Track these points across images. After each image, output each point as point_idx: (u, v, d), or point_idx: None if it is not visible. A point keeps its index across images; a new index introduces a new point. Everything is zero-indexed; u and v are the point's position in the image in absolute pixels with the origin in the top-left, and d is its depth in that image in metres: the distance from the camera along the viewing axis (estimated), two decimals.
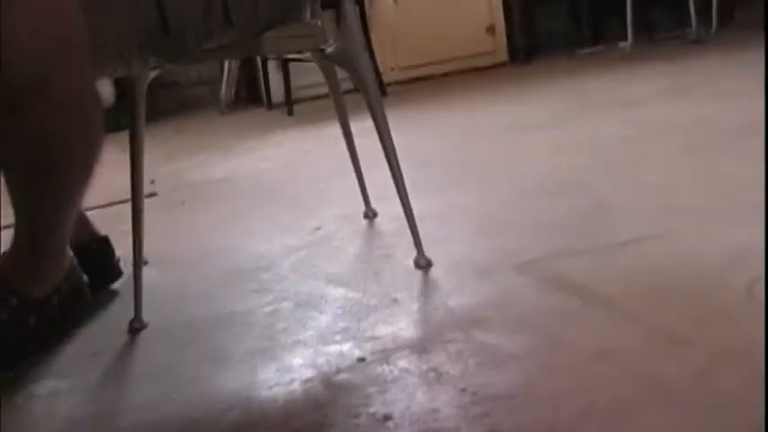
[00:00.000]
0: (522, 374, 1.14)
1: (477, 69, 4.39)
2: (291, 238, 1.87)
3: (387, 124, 1.57)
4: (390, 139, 1.58)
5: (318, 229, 1.91)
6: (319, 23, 1.55)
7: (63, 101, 1.21)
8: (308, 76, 4.03)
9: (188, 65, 1.40)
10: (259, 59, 4.22)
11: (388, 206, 1.89)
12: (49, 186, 1.32)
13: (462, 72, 4.38)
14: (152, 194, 2.48)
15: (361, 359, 1.24)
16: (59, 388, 1.30)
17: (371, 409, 1.10)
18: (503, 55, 4.49)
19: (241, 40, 1.42)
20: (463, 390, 1.11)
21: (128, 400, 1.25)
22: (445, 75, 4.37)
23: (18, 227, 1.42)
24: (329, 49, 1.55)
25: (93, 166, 1.33)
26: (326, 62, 1.75)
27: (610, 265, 1.47)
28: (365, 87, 1.56)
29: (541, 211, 1.81)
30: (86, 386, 1.30)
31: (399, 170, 1.59)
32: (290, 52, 1.46)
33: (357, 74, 1.55)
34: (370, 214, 1.93)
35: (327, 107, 1.96)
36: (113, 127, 1.57)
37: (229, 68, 4.32)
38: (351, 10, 1.53)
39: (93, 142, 1.29)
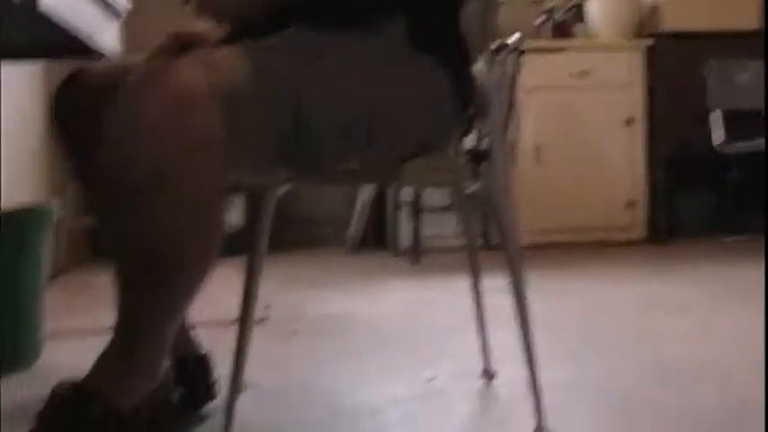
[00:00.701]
0: None
1: (613, 243, 4.23)
2: (402, 386, 1.73)
3: (524, 280, 1.45)
4: (525, 297, 1.45)
5: (431, 380, 1.77)
6: (462, 161, 1.46)
7: (183, 199, 1.14)
8: (438, 226, 3.97)
9: (320, 184, 1.33)
10: (391, 204, 4.19)
11: (507, 369, 1.74)
12: (156, 287, 1.24)
13: (598, 244, 4.23)
14: (263, 319, 2.40)
15: None
16: None
17: None
18: (641, 232, 4.32)
19: (379, 166, 1.34)
20: None
21: None
22: (580, 244, 4.23)
23: (117, 328, 1.34)
24: (471, 189, 1.45)
25: (205, 272, 1.24)
26: (465, 207, 1.65)
27: None
28: (506, 234, 1.45)
29: (676, 400, 1.62)
30: None
31: (530, 332, 1.45)
32: (428, 185, 1.38)
33: (499, 218, 1.45)
34: (489, 374, 1.78)
35: (454, 260, 1.86)
36: (237, 250, 1.52)
37: (360, 208, 4.30)
38: (498, 152, 1.44)
39: (209, 248, 1.21)
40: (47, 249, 2.05)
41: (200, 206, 1.16)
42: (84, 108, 1.46)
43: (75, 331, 2.35)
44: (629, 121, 4.30)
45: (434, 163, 1.38)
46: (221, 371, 1.60)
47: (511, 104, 3.87)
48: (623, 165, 4.31)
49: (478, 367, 1.79)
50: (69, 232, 3.61)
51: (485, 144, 1.45)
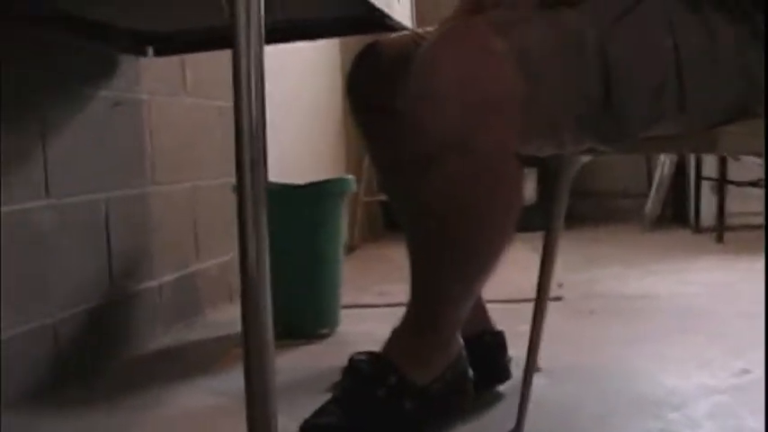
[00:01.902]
0: None
1: None
2: (711, 376, 1.59)
3: None
4: None
5: (746, 372, 1.61)
6: None
7: (483, 162, 1.08)
8: (744, 202, 3.66)
9: (625, 152, 1.21)
10: (692, 178, 3.93)
11: None
12: (453, 256, 1.19)
13: None
14: (557, 298, 2.31)
15: None
16: None
17: None
18: None
19: (693, 131, 1.20)
20: None
21: None
22: None
23: (411, 301, 1.31)
24: None
25: (503, 241, 1.18)
26: None
27: None
28: None
29: None
30: None
31: None
32: (751, 153, 1.22)
33: None
34: None
35: (761, 239, 1.66)
36: (529, 226, 1.44)
37: (659, 181, 4.07)
38: None
39: (508, 213, 1.15)
40: (343, 221, 2.09)
41: (498, 171, 1.10)
42: (380, 81, 1.45)
43: (371, 302, 2.40)
44: None
45: (752, 128, 1.22)
46: (514, 351, 1.55)
47: None
48: None
49: None
50: (365, 206, 3.72)
51: None
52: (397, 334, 1.35)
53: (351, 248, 3.49)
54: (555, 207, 1.38)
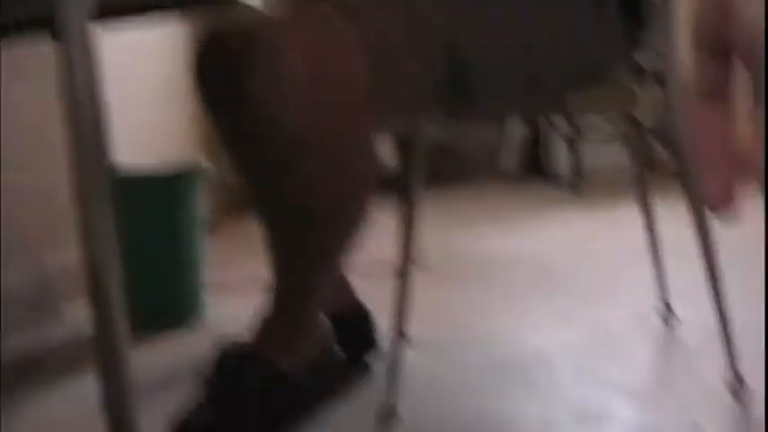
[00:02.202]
0: None
1: None
2: (572, 333, 1.63)
3: (707, 215, 1.31)
4: (708, 227, 1.31)
5: (605, 325, 1.65)
6: (633, 88, 1.32)
7: (332, 153, 1.06)
8: (597, 153, 3.77)
9: (477, 121, 1.21)
10: (547, 132, 4.03)
11: (688, 307, 1.61)
12: (310, 243, 1.18)
13: None
14: (422, 264, 2.32)
15: None
16: None
17: None
18: None
19: (541, 99, 1.22)
20: None
21: None
22: None
23: (275, 291, 1.29)
24: (648, 122, 1.32)
25: (358, 224, 1.17)
26: (634, 136, 1.51)
27: None
28: (683, 163, 1.31)
29: None
30: None
31: (716, 265, 1.31)
32: (595, 111, 1.25)
33: (679, 151, 1.31)
34: (668, 314, 1.64)
35: (615, 190, 1.71)
36: (391, 192, 1.43)
37: (515, 138, 4.14)
38: (676, 75, 1.29)
39: (361, 197, 1.14)
40: (202, 204, 2.04)
41: (349, 158, 1.09)
42: (227, 73, 1.40)
43: (237, 285, 2.35)
44: None
45: (601, 90, 1.24)
46: (382, 322, 1.55)
47: None
48: None
49: (655, 307, 1.66)
50: (226, 186, 3.65)
51: (658, 64, 1.30)
52: (262, 323, 1.32)
53: (213, 229, 3.41)
54: (412, 175, 1.37)
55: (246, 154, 1.29)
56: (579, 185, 3.61)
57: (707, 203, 0.39)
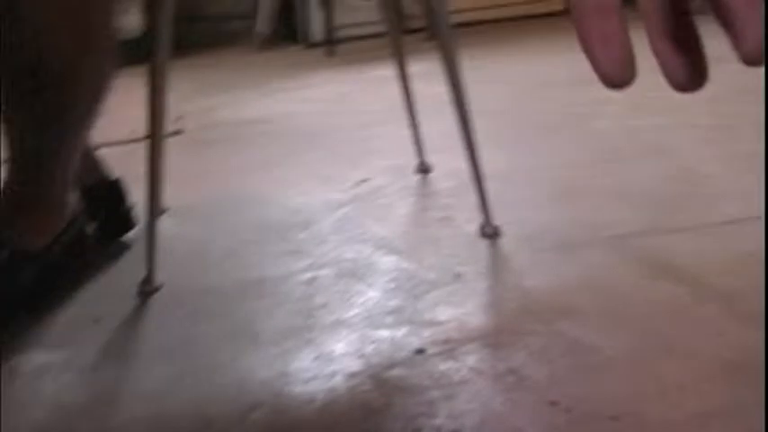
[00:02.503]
0: (628, 387, 0.90)
1: (532, 16, 4.09)
2: (333, 191, 1.62)
3: (459, 65, 1.32)
4: (461, 82, 1.33)
5: (364, 181, 1.66)
6: None
7: (67, 8, 0.96)
8: (351, 14, 3.75)
9: None
10: None
11: (443, 161, 1.64)
12: (43, 105, 1.08)
13: (517, 19, 4.09)
14: (177, 132, 2.24)
15: (420, 351, 1.00)
16: (50, 363, 1.07)
17: (436, 421, 0.86)
18: (558, 3, 4.18)
19: None
20: (554, 403, 0.87)
21: (130, 384, 1.01)
22: (498, 21, 4.07)
23: (12, 164, 1.18)
24: None
25: (101, 88, 1.09)
26: None
27: (715, 248, 1.22)
28: (438, 21, 1.31)
29: (623, 178, 1.55)
30: (82, 362, 1.06)
31: (468, 118, 1.33)
32: None
33: (430, 5, 1.29)
34: (425, 168, 1.67)
35: (370, 49, 1.71)
36: (137, 59, 1.33)
37: (266, 1, 4.04)
38: None
39: (99, 57, 1.05)
40: None
41: (86, 12, 0.99)
42: None
43: None
44: None
45: None
46: (138, 189, 1.46)
47: None
48: None
49: (412, 162, 1.68)
50: None
51: None
52: (4, 200, 1.22)
53: None
54: (159, 37, 1.27)
55: None
56: (333, 48, 3.59)
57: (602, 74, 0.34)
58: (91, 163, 1.42)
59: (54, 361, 1.07)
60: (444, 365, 0.96)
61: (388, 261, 1.26)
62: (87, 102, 1.12)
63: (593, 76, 0.40)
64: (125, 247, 1.43)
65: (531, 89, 2.48)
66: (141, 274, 1.25)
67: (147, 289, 1.24)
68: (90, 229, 1.32)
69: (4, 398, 0.99)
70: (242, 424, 0.89)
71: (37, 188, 1.22)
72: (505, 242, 1.29)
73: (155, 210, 1.30)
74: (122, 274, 1.32)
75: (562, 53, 3.07)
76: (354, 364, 0.99)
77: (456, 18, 4.16)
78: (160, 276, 1.25)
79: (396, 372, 0.96)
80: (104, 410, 0.95)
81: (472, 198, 1.35)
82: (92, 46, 1.06)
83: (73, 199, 1.28)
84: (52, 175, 1.20)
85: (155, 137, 1.30)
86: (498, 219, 1.33)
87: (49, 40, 1.02)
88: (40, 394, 1.00)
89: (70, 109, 1.12)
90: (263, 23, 4.06)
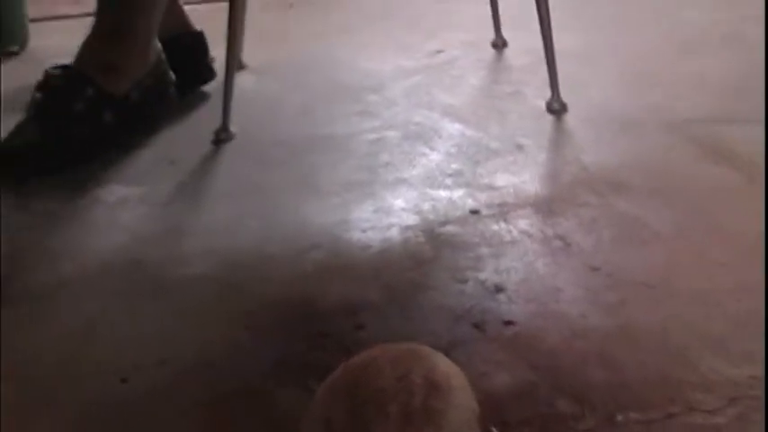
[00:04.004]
0: (667, 259, 0.93)
1: None
2: (407, 59, 1.64)
3: None
4: None
5: (439, 52, 1.68)
6: None
7: None
8: None
9: None
10: None
11: (520, 37, 1.65)
12: None
13: None
14: None
15: (475, 211, 1.05)
16: (128, 196, 1.15)
17: (481, 275, 0.91)
18: None
19: None
20: (595, 269, 0.91)
21: (199, 220, 1.09)
22: None
23: (100, 8, 1.24)
24: None
25: None
26: None
27: None
28: None
29: (697, 68, 1.54)
30: (157, 198, 1.14)
31: None
32: None
33: None
34: (500, 43, 1.68)
35: None
36: None
37: None
38: None
39: None
40: None
41: None
42: None
43: (64, 13, 2.24)
44: None
45: None
46: (219, 51, 1.52)
47: None
48: None
49: (488, 37, 1.69)
50: None
51: None
52: (89, 44, 1.28)
53: None
54: None
55: None
56: None
57: None
58: (176, 13, 1.47)
59: (132, 194, 1.15)
60: (496, 226, 1.01)
61: (453, 128, 1.30)
62: None
63: None
64: (204, 96, 1.49)
65: None
66: (217, 123, 1.31)
67: (221, 137, 1.30)
68: (171, 77, 1.38)
69: (86, 223, 1.08)
70: (299, 261, 0.96)
71: (123, 27, 1.27)
72: (570, 118, 1.32)
73: (232, 63, 1.35)
74: (200, 122, 1.38)
75: None
76: (410, 219, 1.04)
77: None
78: (235, 126, 1.31)
79: (449, 228, 1.01)
80: (174, 241, 1.03)
81: (544, 75, 1.36)
82: None
83: (156, 46, 1.34)
84: (136, 21, 1.25)
85: None
86: (567, 96, 1.35)
87: None
88: (118, 222, 1.08)
89: None
90: None
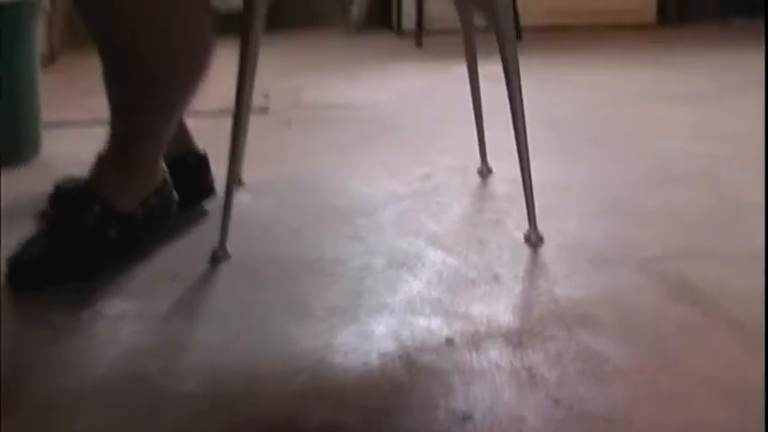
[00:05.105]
0: (626, 395, 1.01)
1: (621, 26, 4.13)
2: (397, 182, 1.75)
3: (518, 72, 1.43)
4: (519, 88, 1.43)
5: (427, 177, 1.78)
6: None
7: (168, 17, 1.11)
8: (444, 5, 3.85)
9: None
10: None
11: (505, 165, 1.74)
12: (146, 93, 1.23)
13: (605, 27, 4.13)
14: (263, 109, 2.39)
15: (450, 340, 1.13)
16: (128, 310, 1.23)
17: (452, 404, 0.98)
18: (651, 14, 4.20)
19: None
20: (557, 401, 0.99)
21: (194, 336, 1.16)
22: (586, 27, 4.13)
23: (113, 134, 1.34)
24: None
25: (199, 75, 1.23)
26: None
27: (740, 276, 1.31)
28: (499, 26, 1.41)
29: (668, 200, 1.64)
30: (155, 313, 1.22)
31: (524, 126, 1.44)
32: None
33: (493, 11, 1.40)
34: (485, 171, 1.79)
35: (459, 44, 1.81)
36: (233, 31, 1.44)
37: None
38: None
39: (199, 48, 1.19)
40: (38, 39, 2.01)
41: (186, 26, 1.14)
42: None
43: (75, 119, 2.35)
44: None
45: None
46: (220, 161, 1.59)
47: None
48: None
49: (475, 163, 1.80)
50: (66, 9, 3.53)
51: None
52: (100, 162, 1.37)
53: (50, 59, 3.33)
54: (254, 13, 1.37)
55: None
56: (421, 39, 3.69)
57: None
58: (181, 134, 1.57)
59: (131, 309, 1.23)
60: (468, 356, 1.09)
61: (436, 255, 1.39)
62: (185, 94, 1.26)
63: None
64: (204, 212, 1.58)
65: (600, 101, 2.55)
66: (215, 239, 1.39)
67: (218, 254, 1.38)
68: (174, 195, 1.47)
69: (88, 336, 1.15)
70: (286, 381, 1.03)
71: (131, 155, 1.37)
72: (546, 250, 1.41)
73: (231, 184, 1.44)
74: (200, 238, 1.47)
75: (641, 67, 3.14)
76: (390, 345, 1.12)
77: (540, 20, 4.21)
78: (231, 244, 1.40)
79: (425, 356, 1.09)
80: (170, 356, 1.10)
81: (524, 204, 1.46)
82: (193, 55, 1.19)
83: (162, 166, 1.43)
84: (146, 144, 1.35)
85: (239, 113, 1.41)
86: (545, 226, 1.44)
87: (156, 52, 1.15)
88: (118, 336, 1.16)
89: (169, 101, 1.26)
90: (358, 6, 4.19)
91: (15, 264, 1.30)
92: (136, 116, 1.31)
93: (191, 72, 1.24)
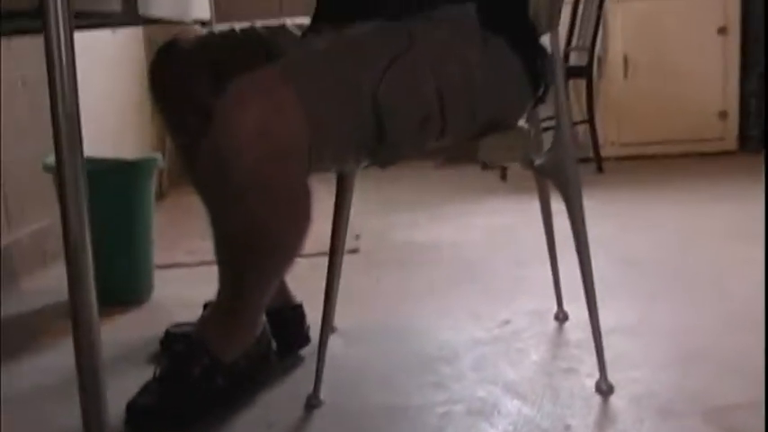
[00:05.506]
0: None
1: (703, 155, 4.22)
2: (479, 329, 1.87)
3: (581, 210, 1.52)
4: (582, 231, 1.53)
5: (507, 323, 1.90)
6: (531, 131, 1.56)
7: (277, 198, 1.27)
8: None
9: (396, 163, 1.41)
10: None
11: (581, 309, 1.84)
12: (253, 267, 1.39)
13: (686, 156, 4.23)
14: (353, 251, 2.55)
15: None
16: None
17: None
18: (732, 143, 4.29)
19: (456, 145, 1.45)
20: None
21: None
22: (667, 156, 4.23)
23: (221, 291, 1.50)
24: (538, 161, 1.55)
25: (296, 251, 1.39)
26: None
27: None
28: (569, 199, 1.53)
29: (744, 347, 1.71)
30: None
31: (588, 270, 1.54)
32: (502, 162, 1.46)
33: (565, 188, 1.53)
34: (561, 316, 1.90)
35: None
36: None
37: None
38: (566, 122, 1.52)
39: (300, 232, 1.35)
40: (152, 194, 2.22)
41: (290, 202, 1.30)
42: (178, 78, 1.61)
43: (181, 262, 2.55)
44: (721, 31, 4.22)
45: (506, 140, 1.47)
46: (312, 305, 1.70)
47: (598, 18, 3.86)
48: (715, 75, 4.26)
49: (553, 308, 1.90)
50: (170, 160, 3.82)
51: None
52: (210, 316, 1.53)
53: (159, 196, 3.59)
54: (344, 189, 1.54)
55: (203, 183, 1.52)
56: (505, 172, 3.84)
57: None
58: (281, 288, 1.73)
59: None
60: None
61: (512, 405, 1.49)
62: (285, 261, 1.42)
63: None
64: (299, 359, 1.72)
65: (680, 238, 2.63)
66: (310, 386, 1.53)
67: (312, 402, 1.52)
68: (273, 345, 1.62)
69: None
70: None
71: (240, 305, 1.53)
72: (616, 400, 1.50)
73: (326, 331, 1.58)
74: (294, 386, 1.61)
75: (722, 200, 3.21)
76: None
77: (623, 151, 4.31)
78: (324, 391, 1.53)
79: None
80: None
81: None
82: (295, 228, 1.35)
83: (262, 320, 1.59)
84: (251, 305, 1.51)
85: (333, 258, 1.55)
86: (616, 374, 1.54)
87: (261, 225, 1.32)
88: None
89: (270, 269, 1.42)
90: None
91: (132, 409, 1.45)
92: (242, 285, 1.47)
93: (292, 249, 1.39)
